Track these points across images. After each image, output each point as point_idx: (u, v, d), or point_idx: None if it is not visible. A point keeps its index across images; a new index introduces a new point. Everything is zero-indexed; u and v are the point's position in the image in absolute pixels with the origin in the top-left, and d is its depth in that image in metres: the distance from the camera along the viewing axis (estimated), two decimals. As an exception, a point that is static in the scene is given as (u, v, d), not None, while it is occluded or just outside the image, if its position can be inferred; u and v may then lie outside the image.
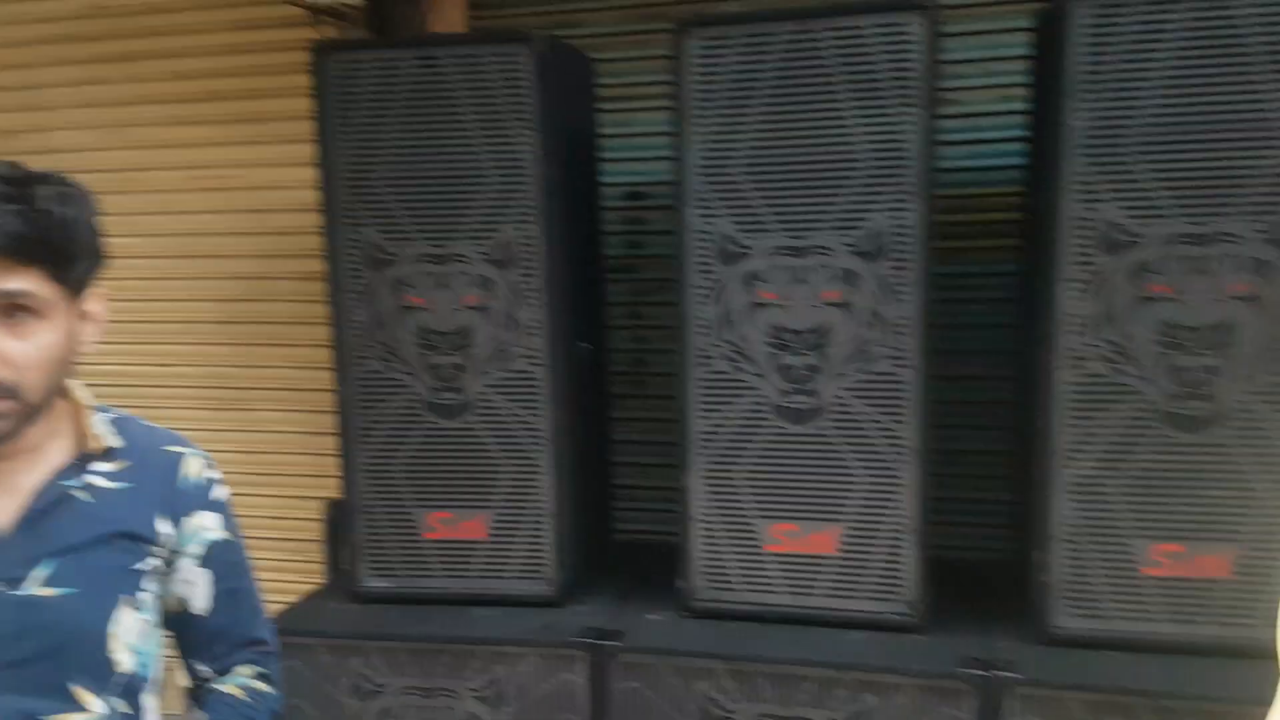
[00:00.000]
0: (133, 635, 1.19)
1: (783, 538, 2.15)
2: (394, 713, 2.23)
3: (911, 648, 2.05)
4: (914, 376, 2.04)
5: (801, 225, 2.05)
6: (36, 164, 1.14)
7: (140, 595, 1.20)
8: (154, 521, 1.22)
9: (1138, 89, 1.86)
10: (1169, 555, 1.94)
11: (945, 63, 2.59)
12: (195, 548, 1.26)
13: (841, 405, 2.08)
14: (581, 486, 2.40)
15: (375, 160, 2.24)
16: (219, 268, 3.23)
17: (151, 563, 1.22)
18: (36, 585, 1.13)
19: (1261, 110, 1.81)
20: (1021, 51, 2.41)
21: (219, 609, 1.29)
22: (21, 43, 3.28)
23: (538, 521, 2.28)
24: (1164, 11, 1.84)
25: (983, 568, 2.50)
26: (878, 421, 2.07)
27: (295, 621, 2.34)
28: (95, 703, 1.16)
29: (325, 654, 2.26)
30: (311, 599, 2.51)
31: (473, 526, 2.31)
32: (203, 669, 1.32)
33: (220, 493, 1.30)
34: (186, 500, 1.25)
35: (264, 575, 3.51)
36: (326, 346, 2.38)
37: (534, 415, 2.25)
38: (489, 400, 2.26)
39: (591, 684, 2.14)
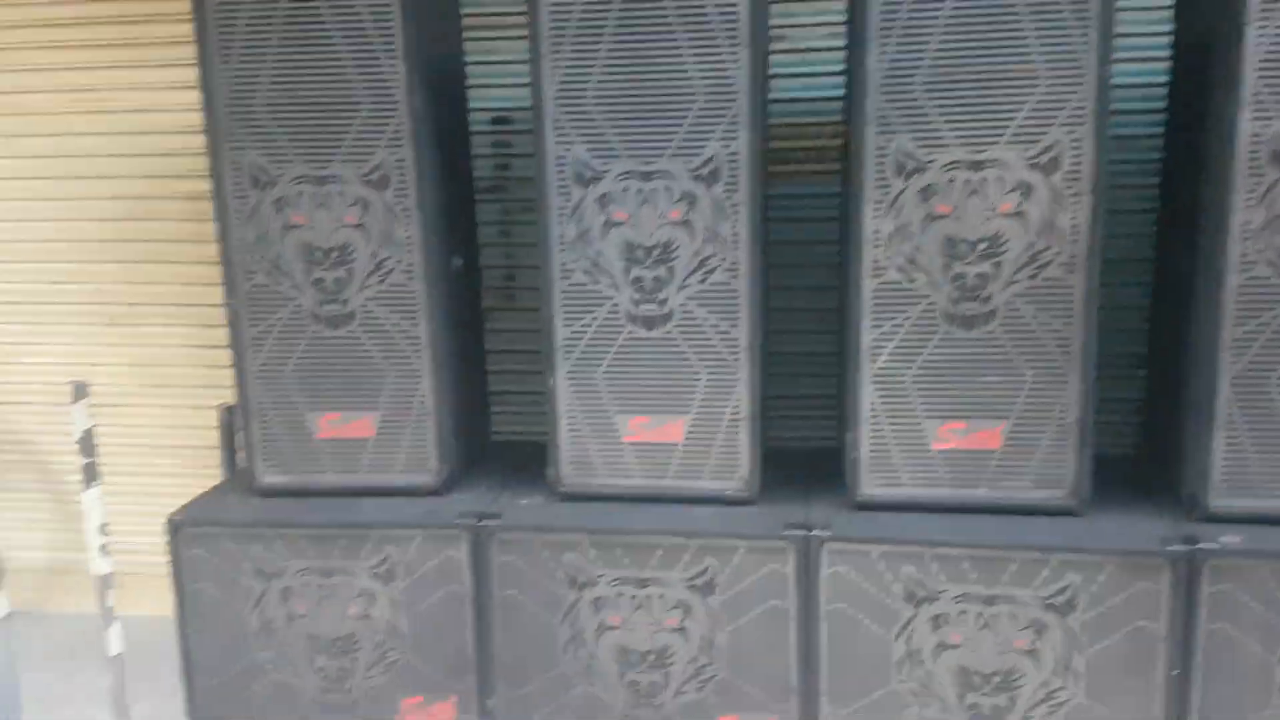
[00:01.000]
0: None
1: (637, 429, 2.39)
2: (295, 591, 2.43)
3: (746, 517, 2.33)
4: (747, 286, 2.28)
5: (647, 152, 2.25)
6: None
7: None
8: None
9: (925, 36, 2.11)
10: (953, 432, 2.27)
11: (775, 1, 2.80)
12: None
13: (685, 312, 2.32)
14: (459, 389, 2.60)
15: (255, 86, 2.33)
16: (103, 188, 3.24)
17: None
18: None
19: (1027, 54, 2.09)
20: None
21: None
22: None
23: (420, 420, 2.47)
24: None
25: (812, 454, 2.76)
26: (716, 325, 2.32)
27: (198, 512, 2.48)
28: None
29: (229, 542, 2.43)
30: (212, 494, 2.64)
31: (361, 426, 2.48)
32: None
33: None
34: None
35: (162, 480, 3.68)
36: (214, 263, 2.47)
37: (412, 324, 2.42)
38: (370, 311, 2.42)
39: (473, 559, 2.37)
